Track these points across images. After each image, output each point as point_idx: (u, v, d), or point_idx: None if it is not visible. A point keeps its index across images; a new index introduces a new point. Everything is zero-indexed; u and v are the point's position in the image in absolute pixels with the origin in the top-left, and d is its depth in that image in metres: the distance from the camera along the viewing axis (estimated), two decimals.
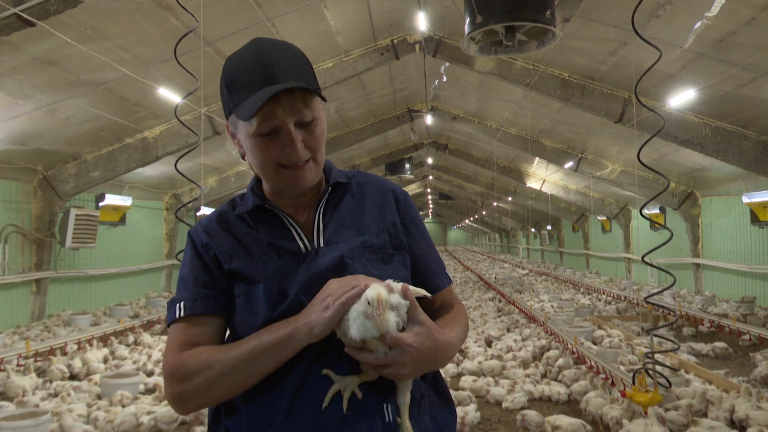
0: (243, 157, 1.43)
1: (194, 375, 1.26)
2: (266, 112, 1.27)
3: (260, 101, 1.23)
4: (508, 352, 8.34)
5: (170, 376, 1.30)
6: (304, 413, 1.26)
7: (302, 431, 1.25)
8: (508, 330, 10.41)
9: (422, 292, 1.34)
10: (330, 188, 1.47)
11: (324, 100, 1.35)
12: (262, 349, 1.24)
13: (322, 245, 1.40)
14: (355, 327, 1.20)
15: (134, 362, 7.61)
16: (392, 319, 1.21)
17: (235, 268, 1.37)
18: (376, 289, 1.20)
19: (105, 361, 7.85)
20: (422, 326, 1.25)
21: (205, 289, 1.37)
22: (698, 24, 6.90)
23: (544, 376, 7.19)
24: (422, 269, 1.52)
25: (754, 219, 11.86)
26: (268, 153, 1.32)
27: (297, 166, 1.34)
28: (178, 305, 1.37)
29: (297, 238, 1.40)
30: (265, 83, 1.27)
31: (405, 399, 1.28)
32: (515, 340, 9.12)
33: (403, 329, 1.24)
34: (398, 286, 1.27)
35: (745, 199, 11.72)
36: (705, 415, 5.28)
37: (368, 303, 1.19)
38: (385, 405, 1.29)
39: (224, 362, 1.25)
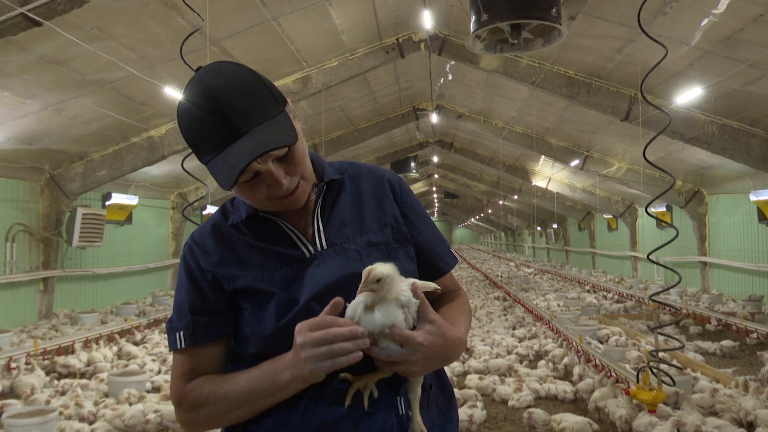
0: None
1: (199, 407, 1.30)
2: None
3: (234, 175, 1.19)
4: (513, 349, 8.34)
5: (177, 405, 1.35)
6: (320, 410, 1.27)
7: (319, 428, 1.26)
8: (514, 328, 10.40)
9: (431, 286, 1.35)
10: (325, 187, 1.44)
11: (293, 143, 1.24)
12: (263, 392, 1.26)
13: (324, 247, 1.37)
14: (363, 321, 1.21)
15: (142, 361, 7.64)
16: (398, 314, 1.22)
17: (240, 287, 1.34)
18: (371, 265, 1.22)
19: (116, 358, 7.92)
20: (433, 324, 1.26)
21: (203, 316, 1.34)
22: (705, 21, 6.86)
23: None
24: (426, 255, 1.51)
25: (762, 217, 11.79)
26: (255, 194, 1.30)
27: (288, 194, 1.32)
28: (177, 335, 1.35)
29: (298, 243, 1.38)
30: (230, 140, 1.21)
31: (416, 393, 1.31)
32: (521, 339, 9.10)
33: (413, 327, 1.25)
34: (408, 283, 1.27)
35: (753, 197, 11.65)
36: (712, 414, 5.26)
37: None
38: (398, 398, 1.31)
39: (227, 401, 1.28)
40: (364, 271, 1.20)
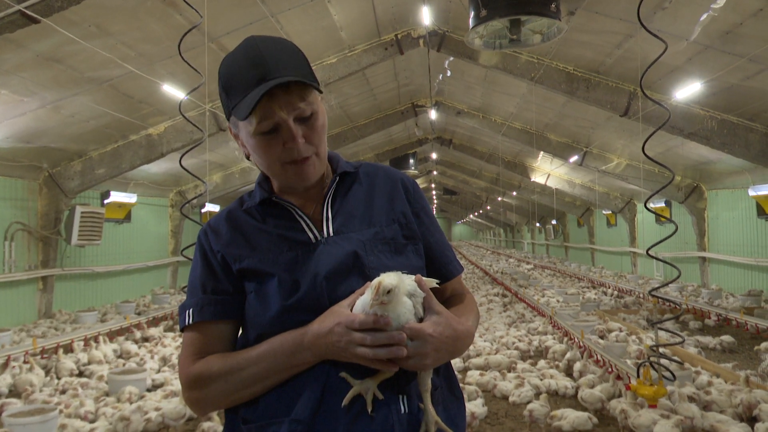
0: (248, 158, 1.43)
1: (209, 384, 1.32)
2: (264, 110, 1.28)
3: (256, 98, 1.24)
4: (513, 345, 8.34)
5: (186, 385, 1.37)
6: (320, 403, 1.27)
7: (318, 420, 1.26)
8: (514, 324, 10.41)
9: (432, 282, 1.35)
10: (338, 178, 1.47)
11: (320, 92, 1.36)
12: (276, 369, 1.29)
13: (331, 234, 1.40)
14: None
15: (142, 359, 7.64)
16: (406, 310, 1.22)
17: (245, 267, 1.38)
18: (378, 278, 1.20)
19: (118, 356, 7.91)
20: (440, 316, 1.27)
21: (213, 294, 1.39)
22: (704, 16, 6.85)
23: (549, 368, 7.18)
24: (436, 257, 1.53)
25: (761, 212, 11.80)
26: (270, 151, 1.33)
27: (301, 161, 1.34)
28: (187, 312, 1.40)
29: (306, 228, 1.41)
30: (260, 81, 1.27)
31: (426, 385, 1.30)
32: (522, 335, 9.11)
33: (420, 320, 1.26)
34: (411, 277, 1.28)
35: (752, 192, 11.65)
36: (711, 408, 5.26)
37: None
38: (400, 396, 1.30)
39: (241, 378, 1.30)
40: (373, 284, 1.19)
